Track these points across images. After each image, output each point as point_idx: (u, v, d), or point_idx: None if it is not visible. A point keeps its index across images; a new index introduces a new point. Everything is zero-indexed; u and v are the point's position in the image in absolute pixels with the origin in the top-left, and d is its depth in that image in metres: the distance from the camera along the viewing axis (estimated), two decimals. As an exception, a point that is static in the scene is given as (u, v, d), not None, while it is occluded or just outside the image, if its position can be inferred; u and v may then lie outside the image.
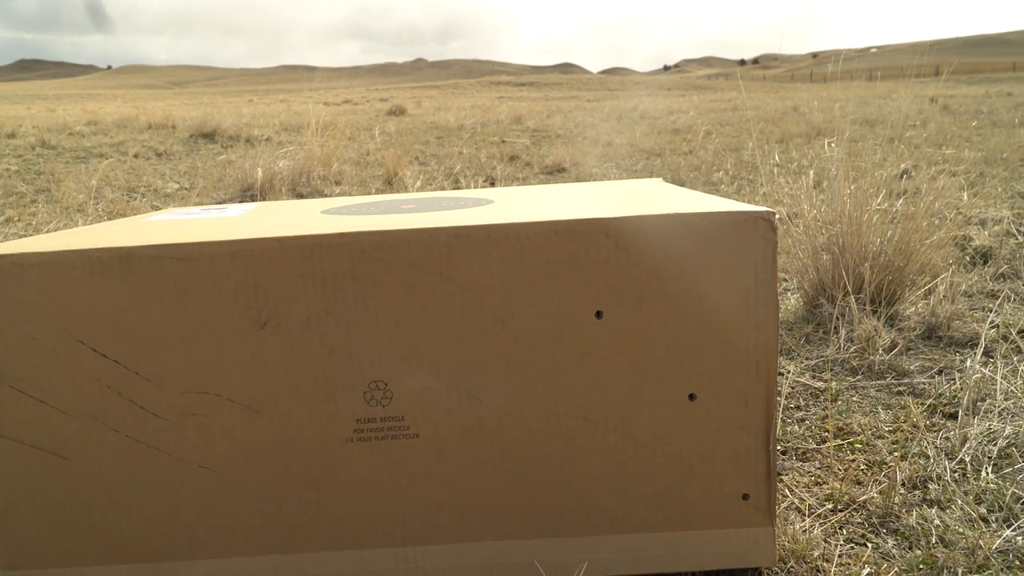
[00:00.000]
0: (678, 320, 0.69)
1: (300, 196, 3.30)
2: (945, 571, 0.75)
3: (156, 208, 3.06)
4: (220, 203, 3.10)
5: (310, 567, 0.73)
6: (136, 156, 4.46)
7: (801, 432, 1.08)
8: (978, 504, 0.87)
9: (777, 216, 0.68)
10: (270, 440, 0.70)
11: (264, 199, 3.16)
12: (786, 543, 0.79)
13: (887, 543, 0.81)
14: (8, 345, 0.67)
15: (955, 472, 0.94)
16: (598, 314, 0.69)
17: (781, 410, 1.15)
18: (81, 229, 0.88)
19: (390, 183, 3.66)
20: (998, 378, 1.18)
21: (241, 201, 3.12)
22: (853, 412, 1.14)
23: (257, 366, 0.69)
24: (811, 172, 2.20)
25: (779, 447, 1.04)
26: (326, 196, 3.33)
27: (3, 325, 0.67)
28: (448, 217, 0.74)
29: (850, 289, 1.49)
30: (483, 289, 0.68)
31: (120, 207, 2.95)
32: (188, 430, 0.70)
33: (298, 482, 0.71)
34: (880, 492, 0.90)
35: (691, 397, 0.70)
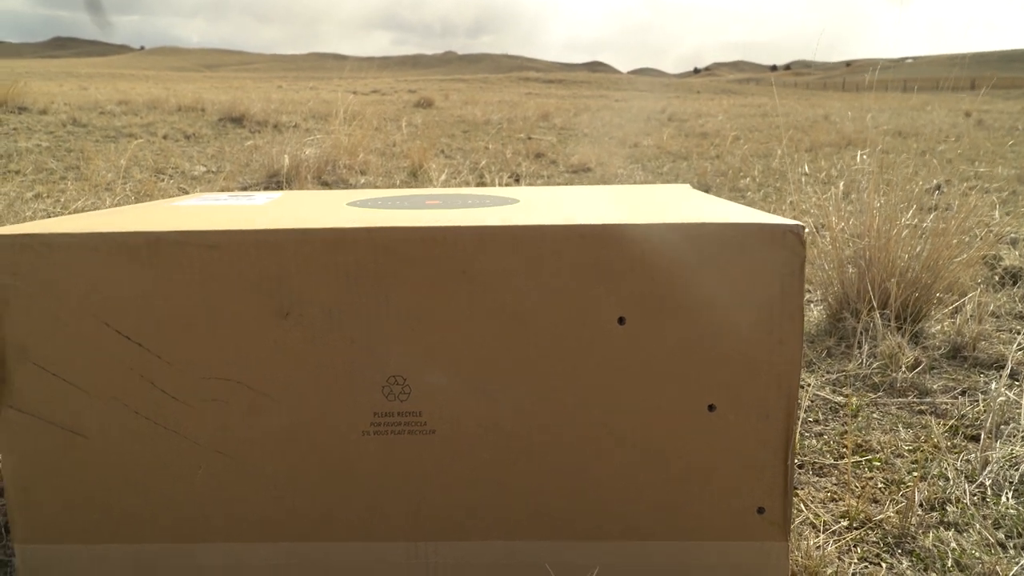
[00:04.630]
0: (701, 330, 0.68)
1: (325, 184, 3.31)
2: (960, 596, 0.74)
3: (183, 190, 3.08)
4: (246, 189, 3.12)
5: (322, 556, 0.73)
6: (165, 137, 4.50)
7: (819, 447, 1.07)
8: (997, 529, 0.86)
9: (807, 230, 0.67)
10: (287, 429, 0.70)
11: (289, 186, 3.18)
12: (799, 559, 0.79)
13: (902, 564, 0.80)
14: (33, 324, 0.68)
15: (974, 495, 0.93)
16: (620, 320, 0.68)
17: (800, 423, 1.14)
18: (109, 211, 0.89)
19: (415, 175, 3.67)
20: (1023, 402, 1.16)
21: (267, 187, 3.14)
22: (873, 429, 1.12)
23: (278, 355, 0.69)
24: (841, 183, 2.18)
25: (796, 461, 1.03)
26: (351, 185, 3.34)
27: (29, 304, 0.68)
28: (472, 216, 0.74)
29: (875, 304, 1.47)
30: (505, 290, 0.68)
31: (148, 188, 2.98)
32: (207, 415, 0.70)
33: (313, 472, 0.71)
34: (897, 512, 0.89)
35: (710, 408, 0.69)
